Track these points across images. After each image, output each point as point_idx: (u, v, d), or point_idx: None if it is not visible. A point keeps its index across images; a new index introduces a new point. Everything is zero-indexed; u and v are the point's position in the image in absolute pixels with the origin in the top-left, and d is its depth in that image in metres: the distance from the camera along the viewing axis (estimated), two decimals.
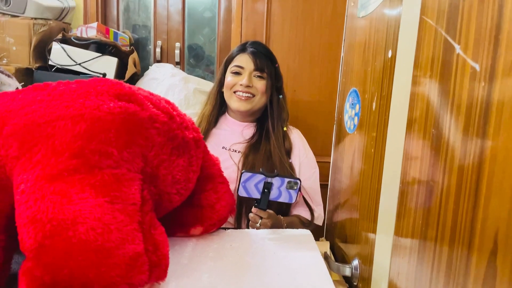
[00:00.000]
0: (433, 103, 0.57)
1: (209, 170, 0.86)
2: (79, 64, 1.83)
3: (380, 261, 0.76)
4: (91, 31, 1.94)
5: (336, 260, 1.06)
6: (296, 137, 1.45)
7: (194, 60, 2.38)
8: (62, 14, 2.01)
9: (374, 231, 0.80)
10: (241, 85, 1.35)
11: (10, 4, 1.82)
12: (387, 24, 0.78)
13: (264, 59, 1.38)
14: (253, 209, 1.09)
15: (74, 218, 0.53)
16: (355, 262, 0.91)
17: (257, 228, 1.06)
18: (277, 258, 0.80)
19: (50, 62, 1.84)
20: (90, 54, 1.85)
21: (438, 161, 0.55)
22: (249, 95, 1.36)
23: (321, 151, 1.64)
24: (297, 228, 0.97)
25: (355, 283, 0.91)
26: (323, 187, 1.39)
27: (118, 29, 2.29)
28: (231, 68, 1.40)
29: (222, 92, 1.43)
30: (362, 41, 0.96)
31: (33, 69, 1.85)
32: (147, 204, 0.64)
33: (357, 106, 0.96)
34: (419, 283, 0.59)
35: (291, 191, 0.98)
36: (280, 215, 1.24)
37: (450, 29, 0.53)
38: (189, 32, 2.35)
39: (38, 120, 0.60)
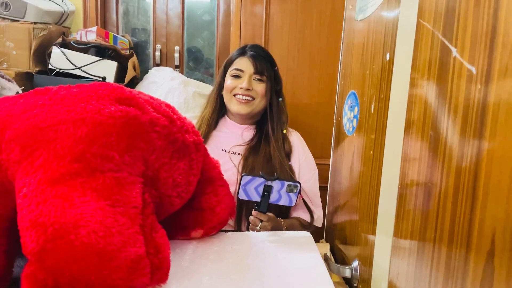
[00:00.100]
0: (430, 105, 0.58)
1: (209, 173, 0.87)
2: (79, 68, 1.83)
3: (380, 262, 0.77)
4: (91, 35, 1.94)
5: (336, 262, 1.07)
6: (296, 139, 1.45)
7: (193, 63, 2.38)
8: (61, 18, 2.02)
9: (373, 233, 0.80)
10: (241, 88, 1.36)
11: (10, 9, 1.83)
12: (385, 27, 0.79)
13: (264, 62, 1.39)
14: (253, 212, 1.10)
15: (76, 222, 0.54)
16: (355, 264, 0.92)
17: (257, 231, 1.06)
18: (277, 260, 0.80)
19: (50, 66, 1.85)
20: (89, 58, 1.86)
21: (436, 162, 0.55)
22: (249, 98, 1.36)
23: (320, 153, 1.65)
24: (297, 230, 0.98)
25: (355, 284, 0.92)
26: (322, 189, 1.40)
27: (117, 33, 2.30)
28: (230, 71, 1.40)
29: (222, 95, 1.44)
30: (360, 44, 0.97)
31: (33, 73, 1.86)
32: (148, 207, 0.64)
33: (356, 109, 0.97)
34: (419, 283, 0.59)
35: (291, 194, 0.98)
36: (280, 217, 1.25)
37: (446, 32, 0.54)
38: (188, 35, 2.36)
39: (40, 124, 0.61)
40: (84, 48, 1.88)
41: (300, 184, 0.99)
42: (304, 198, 1.35)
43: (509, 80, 0.41)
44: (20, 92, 1.28)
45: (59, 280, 0.52)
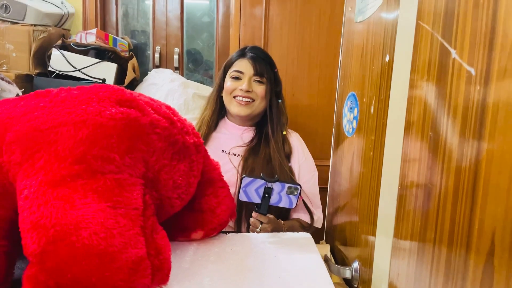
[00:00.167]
0: (430, 106, 0.58)
1: (209, 174, 0.87)
2: (79, 70, 1.83)
3: (380, 263, 0.77)
4: (90, 37, 1.95)
5: (336, 263, 1.07)
6: (295, 140, 1.45)
7: (192, 65, 2.39)
8: (61, 20, 2.02)
9: (373, 234, 0.80)
10: (241, 90, 1.36)
11: (10, 11, 1.83)
12: (384, 28, 0.80)
13: (264, 64, 1.39)
14: (254, 214, 1.10)
15: (77, 223, 0.54)
16: (355, 265, 0.92)
17: (257, 233, 1.06)
18: (277, 261, 0.80)
19: (49, 68, 1.85)
20: (89, 60, 1.86)
21: (435, 163, 0.56)
22: (249, 100, 1.37)
23: (320, 155, 1.65)
24: (298, 232, 0.98)
25: (355, 285, 0.92)
26: (322, 190, 1.40)
27: (117, 35, 2.31)
28: (230, 73, 1.41)
29: (222, 97, 1.44)
30: (360, 45, 0.97)
31: (33, 75, 1.86)
32: (149, 208, 0.64)
33: (356, 110, 0.97)
34: (419, 284, 0.60)
35: (291, 196, 0.98)
36: (280, 218, 1.25)
37: (446, 34, 0.54)
38: (187, 37, 2.36)
39: (40, 126, 0.61)
40: (83, 50, 1.89)
41: (300, 186, 0.99)
42: (304, 199, 1.35)
43: (508, 81, 0.41)
44: (20, 94, 1.28)
45: (60, 281, 0.52)
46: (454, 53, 0.52)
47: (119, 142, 0.61)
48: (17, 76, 1.82)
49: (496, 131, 0.43)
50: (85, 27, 2.19)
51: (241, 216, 1.29)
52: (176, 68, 2.33)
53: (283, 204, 0.99)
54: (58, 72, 1.84)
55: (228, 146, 1.39)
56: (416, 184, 0.62)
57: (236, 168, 1.33)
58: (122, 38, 2.21)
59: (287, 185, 0.98)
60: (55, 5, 1.99)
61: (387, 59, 0.77)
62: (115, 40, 2.08)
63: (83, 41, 1.94)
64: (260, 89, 1.37)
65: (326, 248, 1.16)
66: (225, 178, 0.92)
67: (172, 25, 2.34)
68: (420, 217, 0.60)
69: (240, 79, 1.38)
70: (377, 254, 0.79)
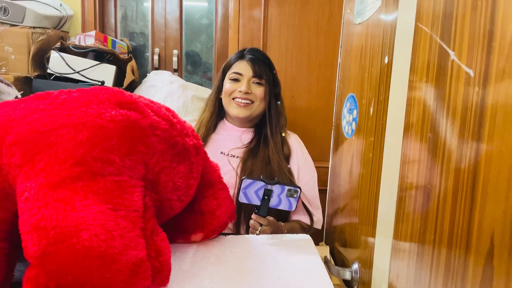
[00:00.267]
0: (429, 107, 0.58)
1: (209, 176, 0.87)
2: (78, 72, 1.83)
3: (380, 264, 0.77)
4: (89, 39, 1.95)
5: (336, 264, 1.07)
6: (295, 142, 1.46)
7: (191, 67, 2.39)
8: (60, 22, 2.02)
9: (373, 235, 0.80)
10: (240, 91, 1.36)
11: (8, 14, 1.84)
12: (383, 30, 0.80)
13: (263, 65, 1.39)
14: (253, 216, 1.10)
15: (77, 225, 0.54)
16: (355, 266, 0.92)
17: (257, 235, 1.07)
18: (277, 263, 0.80)
19: (48, 71, 1.85)
20: (88, 62, 1.86)
21: (435, 164, 0.56)
22: (248, 101, 1.37)
23: (319, 156, 1.65)
24: (298, 233, 0.98)
25: (355, 287, 0.92)
26: (321, 192, 1.40)
27: (116, 37, 2.31)
28: (229, 74, 1.41)
29: (221, 99, 1.44)
30: (358, 47, 0.97)
31: (32, 77, 1.86)
32: (149, 210, 0.65)
33: (355, 112, 0.97)
34: (419, 285, 0.60)
35: (291, 199, 0.98)
36: (280, 220, 1.25)
37: (444, 35, 0.55)
38: (186, 39, 2.36)
39: (40, 128, 0.61)
40: (82, 52, 1.89)
41: (300, 189, 0.99)
42: (303, 201, 1.35)
43: (506, 82, 0.42)
44: (19, 96, 1.28)
45: (60, 283, 0.52)
46: (452, 55, 0.52)
47: (119, 144, 0.62)
48: (16, 78, 1.82)
49: (495, 132, 0.43)
50: (84, 29, 2.19)
51: (240, 218, 1.29)
52: (175, 70, 2.33)
53: (283, 206, 0.99)
54: (57, 74, 1.84)
55: (227, 148, 1.39)
56: (415, 185, 0.62)
57: (235, 170, 1.33)
58: (121, 40, 2.21)
59: (287, 187, 0.98)
60: (54, 8, 1.99)
61: (386, 60, 0.77)
62: (114, 42, 2.09)
63: (82, 43, 1.94)
64: (259, 91, 1.38)
65: (325, 250, 1.16)
66: (224, 180, 0.92)
67: (171, 27, 2.34)
68: (420, 218, 0.60)
69: (239, 81, 1.38)
70: (376, 256, 0.79)
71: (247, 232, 1.24)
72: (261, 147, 1.38)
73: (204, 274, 0.74)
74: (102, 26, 2.29)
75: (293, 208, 1.00)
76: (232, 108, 1.39)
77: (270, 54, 1.59)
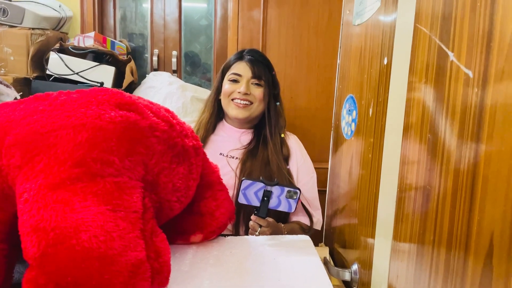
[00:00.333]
0: (428, 108, 0.58)
1: (208, 177, 0.87)
2: (77, 73, 1.83)
3: (379, 265, 0.77)
4: (88, 41, 1.95)
5: (336, 265, 1.07)
6: (294, 143, 1.46)
7: (190, 68, 2.39)
8: (59, 24, 2.02)
9: (372, 236, 0.81)
10: (239, 92, 1.36)
11: (8, 15, 1.84)
12: (382, 31, 0.80)
13: (262, 66, 1.39)
14: (252, 217, 1.10)
15: (77, 226, 0.54)
16: (355, 267, 0.92)
17: (256, 236, 1.06)
18: (277, 264, 0.80)
19: (47, 72, 1.85)
20: (87, 63, 1.86)
21: (434, 165, 0.56)
22: (247, 102, 1.37)
23: (318, 157, 1.65)
24: (298, 234, 0.98)
25: None
26: (321, 193, 1.40)
27: (115, 38, 2.31)
28: (228, 75, 1.41)
29: (220, 100, 1.44)
30: (358, 48, 0.98)
31: (31, 78, 1.86)
32: (149, 211, 0.65)
33: (354, 112, 0.98)
34: (418, 285, 0.60)
35: (290, 200, 0.98)
36: (280, 221, 1.25)
37: (443, 37, 0.55)
38: (185, 40, 2.36)
39: (40, 129, 0.61)
40: (81, 53, 1.89)
41: (300, 190, 0.99)
42: (303, 202, 1.35)
43: (505, 83, 0.42)
44: (18, 97, 1.28)
45: (60, 285, 0.52)
46: (452, 56, 0.52)
47: (119, 145, 0.62)
48: (15, 79, 1.82)
49: (494, 133, 0.43)
50: (83, 31, 2.19)
51: (239, 219, 1.29)
52: (174, 71, 2.33)
53: (282, 208, 0.99)
54: (56, 76, 1.84)
55: (226, 149, 1.39)
56: (415, 186, 0.62)
57: (234, 171, 1.33)
58: (120, 41, 2.21)
59: (286, 189, 0.98)
60: (53, 9, 1.99)
61: (385, 61, 0.77)
62: (113, 43, 2.09)
63: (81, 45, 1.94)
64: (258, 92, 1.38)
65: (325, 251, 1.16)
66: (223, 181, 0.92)
67: (170, 28, 2.34)
68: (419, 219, 0.60)
69: (238, 82, 1.38)
70: (376, 256, 0.79)
71: (246, 233, 1.24)
72: (260, 148, 1.38)
73: (203, 275, 0.74)
74: (101, 27, 2.29)
75: (293, 210, 1.00)
76: (231, 109, 1.39)
77: (270, 55, 1.59)
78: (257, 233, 1.08)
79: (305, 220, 1.36)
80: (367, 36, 0.91)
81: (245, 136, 1.43)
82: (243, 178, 0.99)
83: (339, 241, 1.10)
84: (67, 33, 2.15)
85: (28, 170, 0.59)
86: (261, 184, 0.97)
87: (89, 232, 0.54)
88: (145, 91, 1.97)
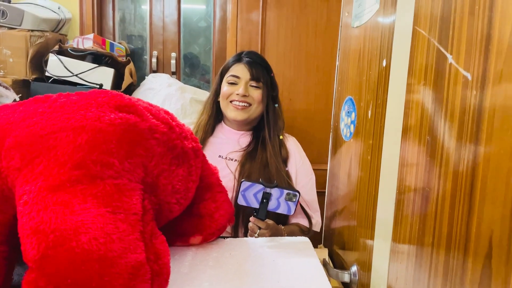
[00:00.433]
0: (427, 110, 0.59)
1: (207, 179, 0.87)
2: (76, 75, 1.84)
3: (379, 267, 0.77)
4: (88, 42, 1.95)
5: (335, 267, 1.07)
6: (292, 144, 1.46)
7: (189, 70, 2.39)
8: (58, 25, 2.02)
9: (372, 238, 0.81)
10: (237, 94, 1.36)
11: (7, 17, 1.84)
12: (381, 33, 0.80)
13: (260, 68, 1.40)
14: (251, 218, 1.10)
15: (76, 228, 0.54)
16: (354, 268, 0.92)
17: (256, 238, 1.07)
18: (276, 265, 0.80)
19: (47, 74, 1.85)
20: (86, 65, 1.87)
21: (433, 167, 0.56)
22: (245, 104, 1.37)
23: (317, 159, 1.66)
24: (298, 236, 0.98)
25: None
26: (319, 194, 1.40)
27: (114, 40, 2.31)
28: (227, 78, 1.41)
29: (218, 102, 1.45)
30: (356, 50, 0.98)
31: (30, 80, 1.86)
32: (148, 213, 0.65)
33: (353, 114, 0.98)
34: (417, 287, 0.60)
35: (289, 202, 0.99)
36: (280, 223, 1.25)
37: (442, 39, 0.55)
38: (184, 42, 2.37)
39: (39, 132, 0.61)
40: (81, 55, 1.89)
41: (299, 193, 0.99)
42: (302, 204, 1.35)
43: (504, 85, 0.42)
44: (18, 99, 1.28)
45: (60, 287, 0.52)
46: (450, 58, 0.52)
47: (118, 147, 0.62)
48: (14, 81, 1.82)
49: (492, 135, 0.44)
50: (82, 32, 2.19)
51: (238, 221, 1.29)
52: (173, 73, 2.33)
53: (282, 210, 0.99)
54: (55, 77, 1.84)
55: (225, 151, 1.40)
56: (414, 188, 0.62)
57: (233, 173, 1.34)
58: (119, 43, 2.22)
59: (285, 191, 0.98)
60: (52, 11, 1.99)
61: (384, 64, 0.78)
62: (112, 45, 2.09)
63: (80, 46, 1.94)
64: (256, 94, 1.38)
65: (324, 252, 1.16)
66: (223, 183, 0.92)
67: (169, 30, 2.35)
68: (418, 221, 0.60)
69: (237, 84, 1.39)
70: (375, 258, 0.79)
71: (245, 235, 1.24)
72: (259, 150, 1.38)
73: (203, 277, 0.74)
74: (100, 29, 2.30)
75: (292, 212, 1.00)
76: (230, 111, 1.39)
77: (268, 57, 1.59)
78: (256, 235, 1.08)
79: (304, 222, 1.36)
80: (366, 38, 0.91)
81: (244, 138, 1.43)
82: (243, 179, 0.99)
83: (338, 243, 1.10)
84: (66, 35, 2.15)
85: (27, 172, 0.59)
86: (261, 186, 0.97)
87: (89, 234, 0.54)
88: (144, 92, 1.98)
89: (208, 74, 2.39)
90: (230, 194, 1.01)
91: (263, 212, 1.00)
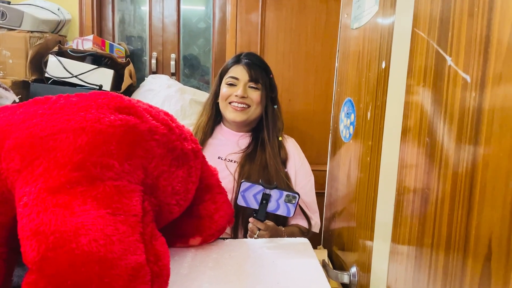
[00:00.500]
0: (426, 112, 0.59)
1: (207, 180, 0.87)
2: (75, 76, 1.84)
3: (378, 268, 0.77)
4: (87, 43, 1.95)
5: (334, 268, 1.07)
6: (291, 146, 1.46)
7: (189, 71, 2.39)
8: (58, 27, 2.02)
9: (371, 239, 0.81)
10: (236, 96, 1.37)
11: (6, 18, 1.84)
12: (380, 35, 0.80)
13: (259, 70, 1.40)
14: (251, 219, 1.10)
15: (76, 230, 0.54)
16: (353, 270, 0.92)
17: (255, 239, 1.07)
18: (276, 266, 0.80)
19: (46, 75, 1.85)
20: (86, 66, 1.87)
21: (432, 169, 0.56)
22: (244, 105, 1.37)
23: (316, 160, 1.66)
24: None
25: None
26: (319, 195, 1.40)
27: (113, 41, 2.31)
28: (226, 79, 1.41)
29: (218, 103, 1.45)
30: (356, 51, 0.98)
31: (30, 81, 1.86)
32: (148, 215, 0.65)
33: (352, 116, 0.98)
34: None
35: (289, 204, 0.99)
36: (279, 224, 1.25)
37: (441, 41, 0.55)
38: (184, 43, 2.37)
39: (39, 133, 0.61)
40: (80, 56, 1.89)
41: (299, 195, 0.99)
42: (301, 205, 1.35)
43: (503, 87, 0.42)
44: (17, 101, 1.28)
45: None
46: (449, 61, 0.52)
47: (118, 148, 0.62)
48: (14, 82, 1.82)
49: (492, 137, 0.44)
50: (81, 34, 2.19)
51: (237, 223, 1.29)
52: (173, 74, 2.33)
53: (281, 212, 0.99)
54: (55, 79, 1.84)
55: (224, 153, 1.40)
56: (413, 190, 0.62)
57: (233, 175, 1.34)
58: (119, 44, 2.22)
59: (285, 193, 0.98)
60: (52, 12, 1.99)
61: (383, 65, 0.78)
62: (111, 46, 2.09)
63: (80, 48, 1.94)
64: (255, 95, 1.38)
65: (323, 253, 1.16)
66: (222, 184, 0.92)
67: (169, 31, 2.35)
68: (418, 222, 0.60)
69: (236, 85, 1.39)
70: (375, 259, 0.79)
71: (245, 237, 1.24)
72: (258, 151, 1.38)
73: (203, 278, 0.74)
74: (99, 30, 2.30)
75: (291, 214, 1.00)
76: (229, 113, 1.39)
77: (268, 58, 1.59)
78: (255, 236, 1.08)
79: (303, 223, 1.36)
80: (365, 40, 0.91)
81: (243, 140, 1.43)
82: (242, 180, 0.99)
83: (337, 244, 1.10)
84: (65, 36, 2.15)
85: (27, 173, 0.59)
86: (260, 187, 0.97)
87: (89, 235, 0.54)
88: (143, 94, 1.98)
89: (208, 75, 2.40)
90: (230, 196, 1.01)
91: (262, 213, 1.00)
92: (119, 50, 2.14)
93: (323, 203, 1.28)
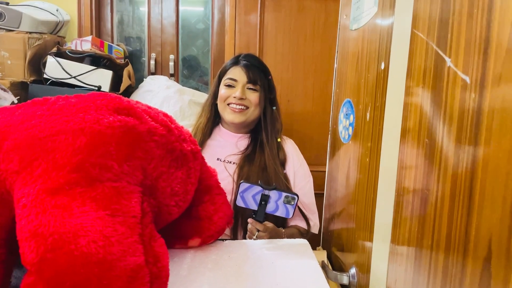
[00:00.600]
0: (426, 113, 0.59)
1: (206, 181, 0.87)
2: (74, 77, 1.83)
3: (377, 269, 0.77)
4: (86, 44, 1.95)
5: (334, 269, 1.07)
6: (290, 147, 1.46)
7: (187, 72, 2.39)
8: (56, 28, 2.02)
9: (370, 240, 0.81)
10: (234, 97, 1.37)
11: (5, 19, 1.83)
12: (380, 36, 0.80)
13: (257, 71, 1.40)
14: (250, 220, 1.10)
15: (75, 231, 0.54)
16: (353, 271, 0.92)
17: (254, 240, 1.07)
18: (275, 267, 0.80)
19: (45, 76, 1.85)
20: (84, 67, 1.86)
21: (432, 170, 0.56)
22: (242, 107, 1.37)
23: (315, 161, 1.66)
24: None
25: None
26: (318, 196, 1.40)
27: (112, 42, 2.31)
28: (224, 80, 1.41)
29: (216, 104, 1.45)
30: (355, 52, 0.98)
31: (28, 82, 1.86)
32: (147, 216, 0.65)
33: (352, 117, 0.98)
34: None
35: (288, 205, 0.99)
36: (278, 225, 1.25)
37: (440, 42, 0.55)
38: (183, 44, 2.37)
39: (38, 134, 0.61)
40: (79, 57, 1.89)
41: (298, 196, 0.99)
42: (300, 206, 1.35)
43: (502, 88, 0.42)
44: (16, 101, 1.28)
45: None
46: (449, 62, 0.52)
47: (117, 150, 0.62)
48: (12, 83, 1.81)
49: (491, 137, 0.44)
50: (80, 34, 2.19)
51: (237, 224, 1.29)
52: (172, 75, 2.33)
53: (280, 213, 0.99)
54: (54, 80, 1.84)
55: (223, 154, 1.40)
56: (412, 191, 0.62)
57: (232, 176, 1.34)
58: (118, 45, 2.22)
59: (284, 194, 0.98)
60: (51, 13, 1.99)
61: (382, 66, 0.78)
62: (110, 47, 2.09)
63: (79, 48, 1.94)
64: (253, 97, 1.38)
65: (323, 254, 1.16)
66: (221, 186, 0.92)
67: (167, 32, 2.35)
68: (417, 223, 0.60)
69: (234, 86, 1.39)
70: (374, 260, 0.79)
71: (244, 238, 1.24)
72: (257, 153, 1.38)
73: (202, 279, 0.74)
74: (98, 31, 2.29)
75: (290, 216, 1.00)
76: (227, 114, 1.39)
77: (266, 59, 1.59)
78: (254, 237, 1.08)
79: (302, 224, 1.36)
80: (364, 41, 0.91)
81: (242, 141, 1.43)
82: (241, 180, 0.99)
83: (337, 245, 1.10)
84: (64, 37, 2.15)
85: (26, 175, 0.58)
86: (259, 188, 0.97)
87: (88, 237, 0.54)
88: (142, 95, 1.98)
89: (207, 76, 2.40)
90: (229, 197, 1.01)
91: (261, 214, 1.00)
92: (118, 51, 2.14)
93: (322, 204, 1.28)
